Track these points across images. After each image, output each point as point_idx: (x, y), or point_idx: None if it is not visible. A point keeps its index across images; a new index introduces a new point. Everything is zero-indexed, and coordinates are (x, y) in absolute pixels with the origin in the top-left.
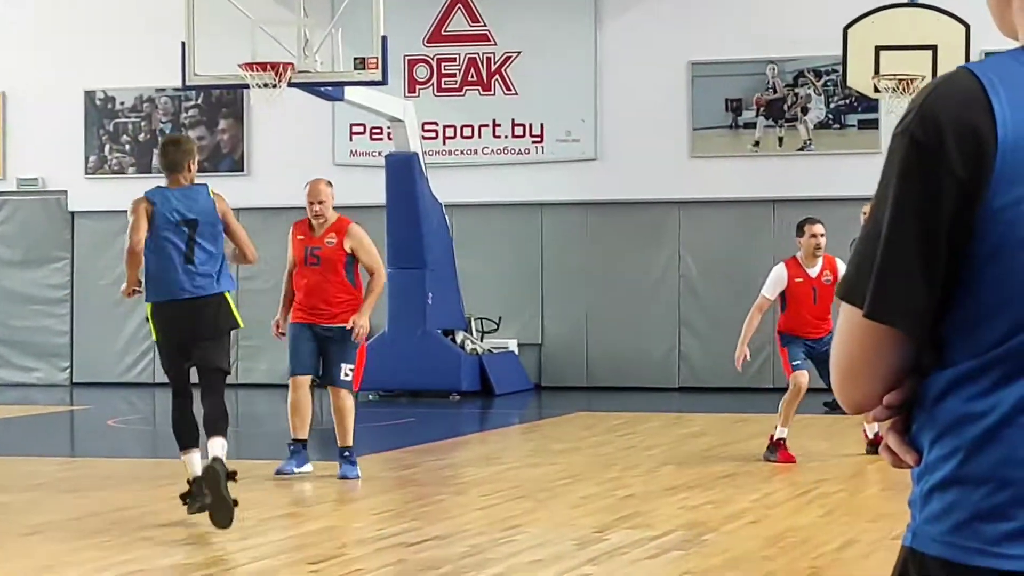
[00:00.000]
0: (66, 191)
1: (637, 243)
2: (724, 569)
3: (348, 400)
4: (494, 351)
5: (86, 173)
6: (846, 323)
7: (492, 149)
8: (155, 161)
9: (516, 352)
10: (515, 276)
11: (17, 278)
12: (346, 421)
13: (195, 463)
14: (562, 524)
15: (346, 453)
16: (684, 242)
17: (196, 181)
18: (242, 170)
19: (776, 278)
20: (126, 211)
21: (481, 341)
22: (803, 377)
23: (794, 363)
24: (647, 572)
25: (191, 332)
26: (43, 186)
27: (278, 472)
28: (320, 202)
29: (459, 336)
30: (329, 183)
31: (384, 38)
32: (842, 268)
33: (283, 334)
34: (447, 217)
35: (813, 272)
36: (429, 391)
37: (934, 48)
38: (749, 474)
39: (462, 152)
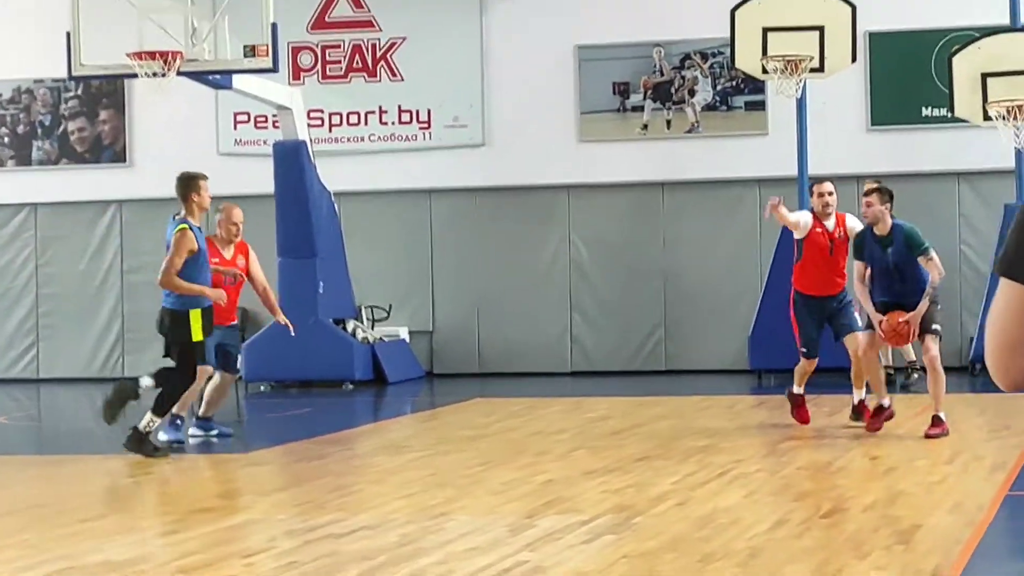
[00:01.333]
0: None
1: (527, 228)
2: (662, 551)
3: None
4: (385, 339)
5: None
6: (1004, 299)
7: (379, 136)
8: (35, 153)
9: (407, 340)
10: (405, 263)
11: None
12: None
13: None
14: (489, 511)
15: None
16: (574, 226)
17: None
18: (124, 161)
19: (804, 219)
20: (5, 205)
21: (372, 329)
22: (809, 366)
23: (802, 349)
24: (585, 557)
25: None
26: None
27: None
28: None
29: (350, 325)
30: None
31: (274, 25)
32: (852, 223)
33: None
34: (336, 205)
35: (829, 226)
36: (322, 381)
37: (821, 29)
38: (663, 456)
39: (349, 139)
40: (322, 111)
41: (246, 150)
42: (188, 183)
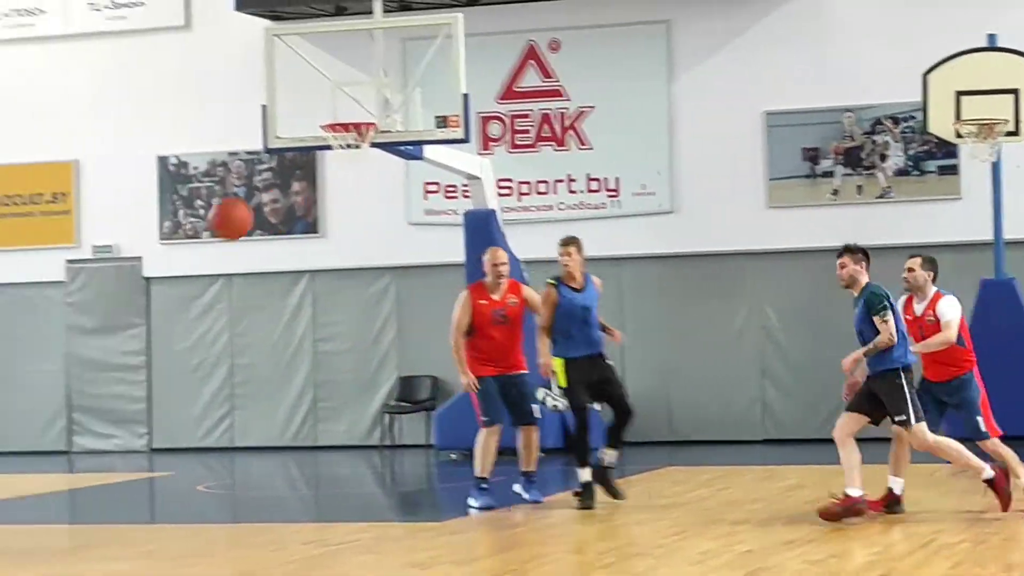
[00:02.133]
0: (141, 257)
1: (717, 295)
2: None
3: None
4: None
5: (160, 238)
6: None
7: (568, 204)
8: None
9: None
10: None
11: (94, 345)
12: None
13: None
14: None
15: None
16: (764, 293)
17: None
18: (316, 232)
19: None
20: (200, 275)
21: (562, 397)
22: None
23: None
24: None
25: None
26: (118, 252)
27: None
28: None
29: (540, 393)
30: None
31: (466, 96)
32: (943, 309)
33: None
34: (525, 273)
35: (918, 310)
36: (512, 449)
37: (1016, 92)
38: (860, 527)
39: (538, 208)
40: (511, 180)
41: (436, 220)
42: None
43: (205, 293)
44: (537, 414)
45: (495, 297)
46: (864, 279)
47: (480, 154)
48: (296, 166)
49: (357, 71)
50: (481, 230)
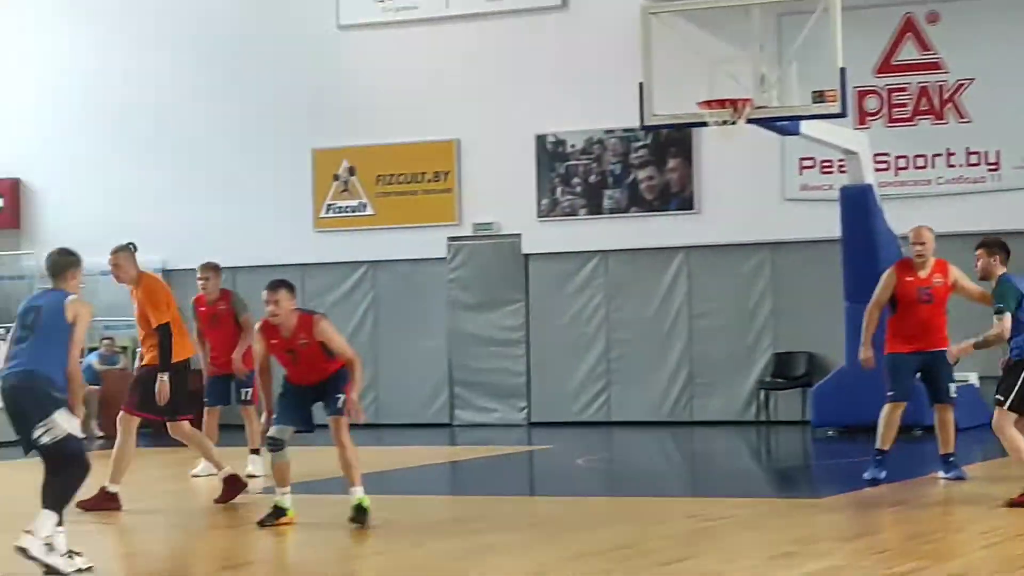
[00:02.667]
0: (520, 234)
1: None
2: None
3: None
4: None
5: (538, 216)
6: None
7: (946, 179)
8: (605, 202)
9: (977, 385)
10: (971, 308)
11: (475, 320)
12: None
13: None
14: None
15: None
16: None
17: None
18: (691, 208)
19: None
20: (577, 252)
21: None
22: None
23: None
24: None
25: None
26: (498, 230)
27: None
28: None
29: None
30: None
31: (843, 70)
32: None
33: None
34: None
35: None
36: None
37: None
38: None
39: (915, 183)
40: (888, 154)
41: (811, 195)
42: None
43: (582, 269)
44: (953, 393)
45: (921, 275)
46: (999, 271)
47: (857, 128)
48: (671, 143)
49: (733, 47)
50: (858, 205)
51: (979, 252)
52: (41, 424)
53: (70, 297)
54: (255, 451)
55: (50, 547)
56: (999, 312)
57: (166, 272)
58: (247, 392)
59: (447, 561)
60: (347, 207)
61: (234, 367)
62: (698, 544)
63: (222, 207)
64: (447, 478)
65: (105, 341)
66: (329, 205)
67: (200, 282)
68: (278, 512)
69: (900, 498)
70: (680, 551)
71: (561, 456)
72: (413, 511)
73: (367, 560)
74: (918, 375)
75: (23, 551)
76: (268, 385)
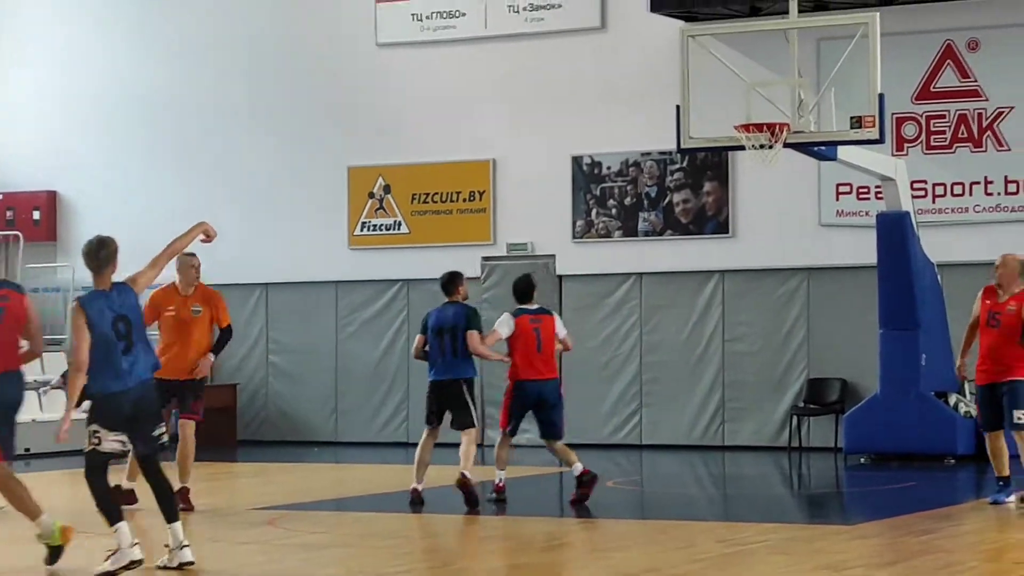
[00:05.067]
0: (554, 255)
1: None
2: None
3: None
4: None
5: (573, 237)
6: None
7: (984, 207)
8: (640, 224)
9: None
10: None
11: None
12: None
13: None
14: None
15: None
16: None
17: None
18: (727, 232)
19: None
20: (612, 274)
21: (975, 404)
22: None
23: None
24: None
25: None
26: (532, 250)
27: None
28: None
29: (952, 398)
30: None
31: (881, 96)
32: None
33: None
34: (939, 277)
35: None
36: (922, 454)
37: None
38: None
39: (953, 210)
40: (925, 182)
41: (848, 220)
42: None
43: (616, 291)
44: (1018, 420)
45: (999, 300)
46: None
47: (894, 155)
48: (708, 166)
49: (771, 71)
50: (894, 232)
51: None
52: (161, 424)
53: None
54: None
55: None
56: None
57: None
58: None
59: None
60: (382, 225)
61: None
62: (728, 569)
63: (257, 223)
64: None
65: None
66: (364, 223)
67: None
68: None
69: (933, 526)
70: (710, 575)
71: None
72: (443, 530)
73: None
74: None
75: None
76: None
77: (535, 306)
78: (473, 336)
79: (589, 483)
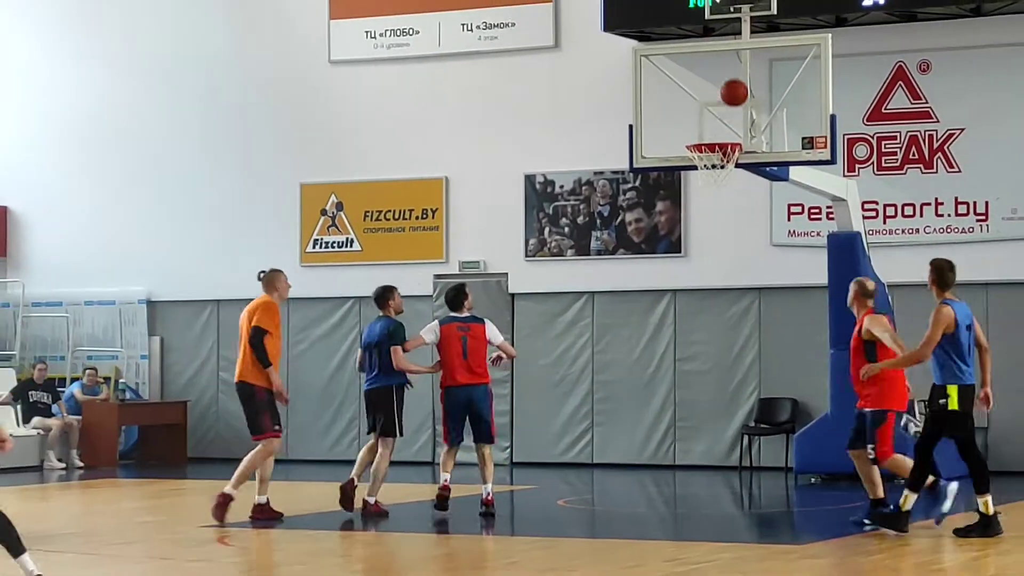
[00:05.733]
0: (506, 273)
1: None
2: None
3: None
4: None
5: (526, 256)
6: None
7: (935, 228)
8: (593, 243)
9: None
10: None
11: None
12: None
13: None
14: None
15: None
16: None
17: None
18: (679, 251)
19: None
20: (564, 292)
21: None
22: None
23: None
24: None
25: None
26: (484, 268)
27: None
28: None
29: (902, 419)
30: None
31: (833, 117)
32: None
33: None
34: (890, 297)
35: None
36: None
37: None
38: None
39: (904, 231)
40: (876, 202)
41: (799, 241)
42: None
43: (569, 309)
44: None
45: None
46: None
47: (846, 176)
48: (660, 186)
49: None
50: (845, 252)
51: None
52: None
53: None
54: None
55: None
56: None
57: (151, 303)
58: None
59: None
60: (334, 242)
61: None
62: None
63: (208, 239)
64: (427, 516)
65: (88, 372)
66: (316, 240)
67: None
68: None
69: (882, 546)
70: None
71: (543, 496)
72: (392, 549)
73: None
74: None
75: None
76: None
77: (465, 313)
78: (396, 352)
79: (488, 515)
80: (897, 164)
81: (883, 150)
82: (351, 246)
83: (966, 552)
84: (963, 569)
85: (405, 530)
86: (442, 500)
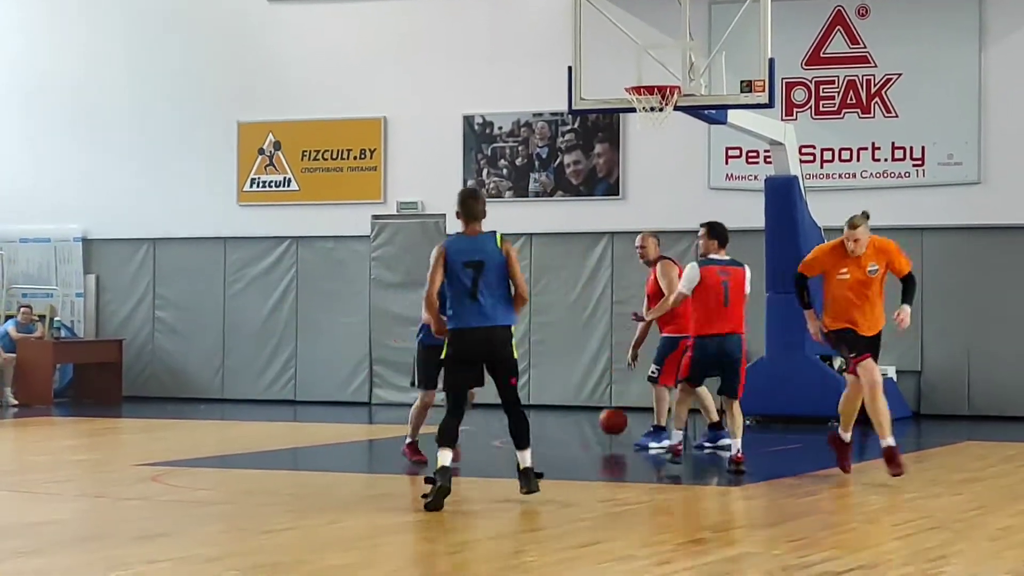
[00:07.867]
0: (444, 215)
1: (1022, 268)
2: None
3: None
4: None
5: None
6: None
7: (872, 172)
8: (531, 185)
9: (895, 379)
10: (893, 301)
11: (398, 300)
12: None
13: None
14: (990, 556)
15: None
16: None
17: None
18: (617, 194)
19: None
20: (503, 234)
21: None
22: None
23: None
24: None
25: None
26: (422, 209)
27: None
28: None
29: (837, 362)
30: None
31: (772, 60)
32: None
33: None
34: (825, 241)
35: None
36: (806, 417)
37: None
38: None
39: (841, 176)
40: (814, 147)
41: (737, 184)
42: None
43: None
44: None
45: None
46: None
47: (784, 120)
48: (599, 128)
49: (662, 34)
50: (782, 196)
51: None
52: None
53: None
54: None
55: None
56: None
57: (86, 242)
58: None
59: (359, 539)
60: (271, 182)
61: None
62: (610, 529)
63: (145, 179)
64: (363, 456)
65: (23, 309)
66: (253, 179)
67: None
68: None
69: (815, 488)
70: (592, 535)
71: (478, 437)
72: (328, 488)
73: (278, 535)
74: None
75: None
76: None
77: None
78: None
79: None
80: (835, 108)
81: (821, 94)
82: (288, 185)
83: (899, 495)
84: (895, 509)
85: (345, 470)
86: None
